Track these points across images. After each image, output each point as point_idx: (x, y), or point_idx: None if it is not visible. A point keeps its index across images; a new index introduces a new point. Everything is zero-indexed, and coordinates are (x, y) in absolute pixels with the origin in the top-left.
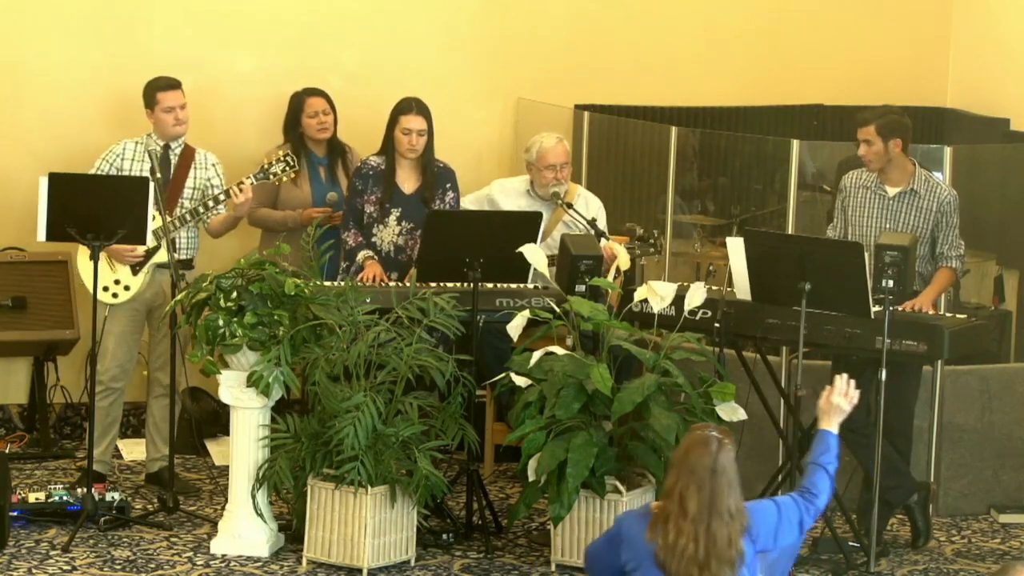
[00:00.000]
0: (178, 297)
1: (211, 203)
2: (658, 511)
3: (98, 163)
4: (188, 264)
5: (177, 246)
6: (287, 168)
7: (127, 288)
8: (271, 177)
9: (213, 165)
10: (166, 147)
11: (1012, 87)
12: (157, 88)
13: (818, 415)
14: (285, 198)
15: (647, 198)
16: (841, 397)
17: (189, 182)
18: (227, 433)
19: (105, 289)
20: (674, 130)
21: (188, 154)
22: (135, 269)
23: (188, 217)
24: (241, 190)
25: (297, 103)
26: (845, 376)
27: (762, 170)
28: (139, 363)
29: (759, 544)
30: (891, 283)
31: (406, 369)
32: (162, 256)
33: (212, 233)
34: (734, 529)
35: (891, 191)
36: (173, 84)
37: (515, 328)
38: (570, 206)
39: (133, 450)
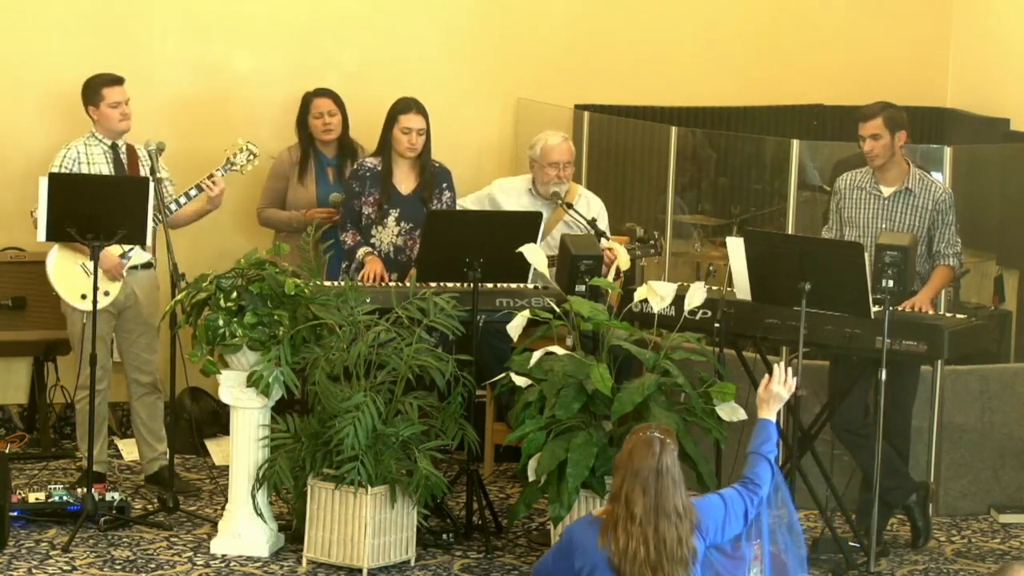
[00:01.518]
0: (178, 297)
1: (183, 199)
2: (607, 516)
3: (54, 171)
4: (148, 265)
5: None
6: (251, 156)
7: (107, 294)
8: (236, 167)
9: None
10: (114, 147)
11: (1012, 87)
12: (102, 84)
13: (757, 404)
14: (292, 198)
15: (647, 198)
16: (780, 385)
17: None
18: (227, 433)
19: (84, 297)
20: (674, 130)
21: (131, 153)
22: (113, 275)
23: (158, 216)
24: (215, 183)
25: (305, 103)
26: (783, 364)
27: (762, 170)
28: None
29: (709, 539)
30: (891, 283)
31: (406, 369)
32: (137, 258)
33: (175, 225)
34: (683, 528)
35: (886, 191)
36: (118, 80)
37: (515, 328)
38: (570, 206)
39: (133, 450)
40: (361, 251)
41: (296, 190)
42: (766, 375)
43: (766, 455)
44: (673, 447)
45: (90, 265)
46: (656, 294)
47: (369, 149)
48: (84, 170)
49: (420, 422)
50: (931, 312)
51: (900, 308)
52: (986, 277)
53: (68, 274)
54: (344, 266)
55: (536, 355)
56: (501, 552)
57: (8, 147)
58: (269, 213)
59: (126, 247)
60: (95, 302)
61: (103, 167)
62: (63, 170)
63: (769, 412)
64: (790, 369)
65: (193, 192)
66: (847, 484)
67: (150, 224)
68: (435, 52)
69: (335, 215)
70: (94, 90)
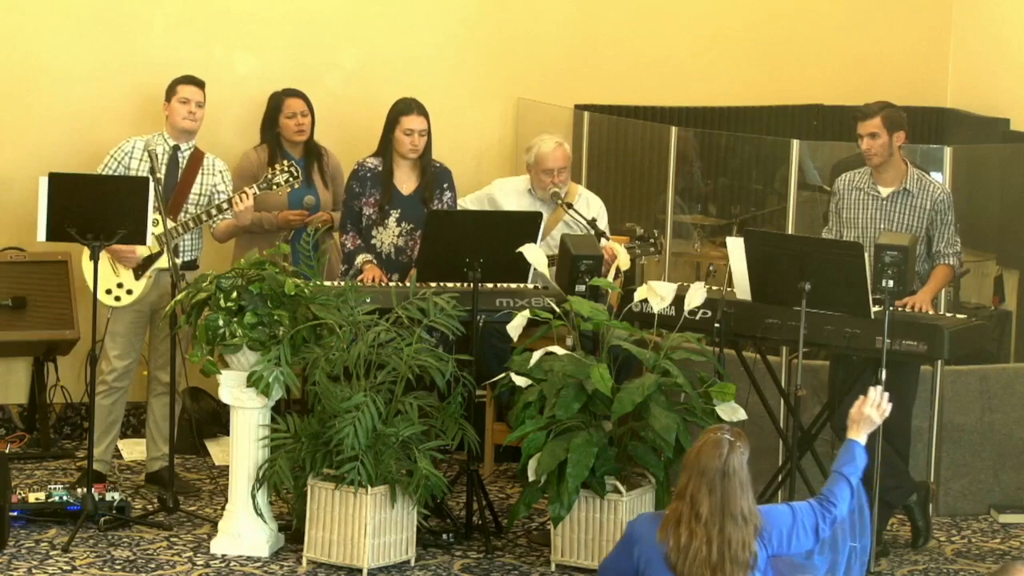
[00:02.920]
0: (178, 297)
1: (214, 211)
2: (670, 512)
3: (106, 160)
4: (192, 265)
5: (180, 248)
6: (291, 179)
7: (130, 292)
8: (274, 187)
9: (220, 172)
10: (175, 148)
11: (1012, 87)
12: (180, 80)
13: (848, 424)
14: (261, 199)
15: (647, 198)
16: (873, 409)
17: (196, 187)
18: (227, 433)
19: (108, 292)
20: (674, 130)
21: (197, 158)
22: (137, 274)
23: (192, 224)
24: (242, 199)
25: (276, 103)
26: (880, 388)
27: (762, 170)
28: (140, 363)
29: (772, 548)
30: (891, 283)
31: (406, 369)
32: (165, 261)
33: (218, 238)
34: (747, 532)
35: (884, 191)
36: (196, 81)
37: (515, 328)
38: (570, 206)
39: (133, 450)
40: (360, 258)
41: (266, 191)
42: (861, 396)
43: (847, 476)
44: (742, 450)
45: (117, 264)
46: (656, 294)
47: (358, 149)
48: (133, 165)
49: (420, 422)
50: (931, 311)
51: (900, 306)
52: (986, 277)
53: (100, 271)
54: (342, 269)
55: (536, 355)
56: (501, 552)
57: (8, 147)
58: None
59: (154, 249)
60: (95, 303)
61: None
62: (113, 160)
63: (858, 434)
64: (886, 395)
65: (225, 206)
66: None
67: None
68: (435, 52)
69: (308, 216)
70: (172, 85)
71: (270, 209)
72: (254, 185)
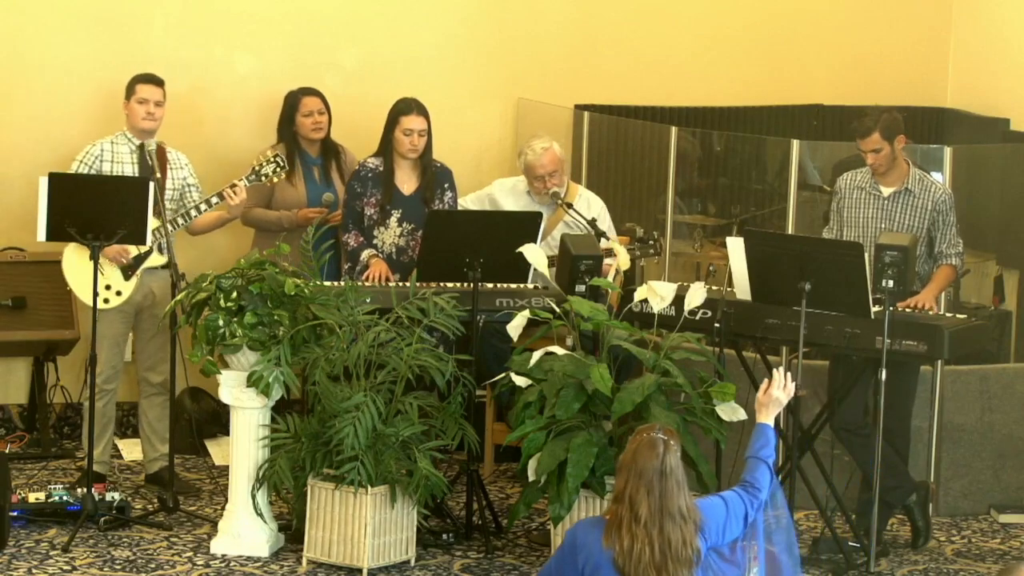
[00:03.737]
0: (178, 297)
1: (204, 206)
2: (611, 516)
3: (75, 165)
4: (172, 263)
5: (163, 247)
6: (278, 169)
7: (119, 293)
8: (263, 178)
9: (186, 164)
10: (142, 147)
11: (1012, 87)
12: (138, 79)
13: (756, 408)
14: (280, 198)
15: (647, 198)
16: (780, 390)
17: (168, 183)
18: (227, 433)
19: (96, 294)
20: (674, 130)
21: (161, 154)
22: (127, 274)
23: (180, 220)
24: (236, 192)
25: (292, 102)
26: (782, 369)
27: (762, 170)
28: (131, 363)
29: (711, 540)
30: (891, 283)
31: (406, 369)
32: (153, 261)
33: (194, 232)
34: (688, 529)
35: (886, 191)
36: (154, 80)
37: (515, 328)
38: (570, 206)
39: (133, 450)
40: (365, 253)
41: (285, 190)
42: (765, 379)
43: (765, 459)
44: (676, 448)
45: (106, 265)
46: (656, 294)
47: (357, 149)
48: (107, 167)
49: (420, 422)
50: (935, 310)
51: (904, 306)
52: (986, 277)
53: (82, 271)
54: (347, 267)
55: (536, 355)
56: (501, 552)
57: (8, 147)
58: (257, 213)
59: (143, 249)
60: (95, 302)
61: (127, 166)
62: (83, 165)
63: (768, 417)
64: (789, 374)
65: (215, 200)
66: (847, 484)
67: (150, 225)
68: (435, 52)
69: (327, 214)
70: (130, 85)
71: (289, 207)
72: (243, 178)
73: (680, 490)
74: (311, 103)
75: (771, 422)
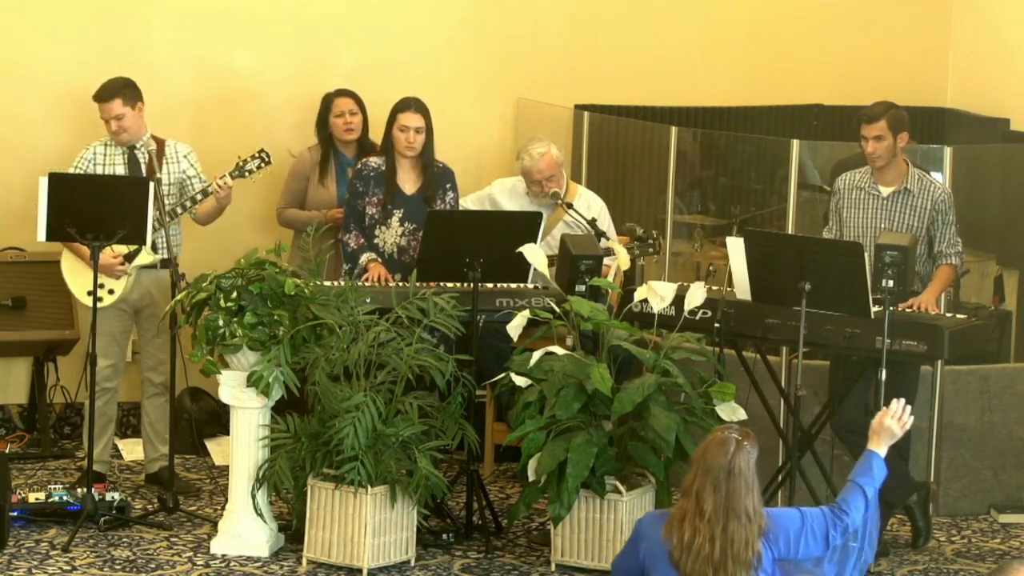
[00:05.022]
0: (178, 297)
1: (189, 203)
2: (676, 509)
3: (71, 170)
4: (172, 262)
5: (159, 245)
6: (262, 164)
7: (111, 292)
8: (246, 174)
9: (185, 156)
10: (131, 148)
11: (1012, 87)
12: (94, 98)
13: (870, 434)
14: (313, 198)
15: (647, 198)
16: (894, 420)
17: (164, 177)
18: (227, 433)
19: (89, 294)
20: (674, 130)
21: (160, 151)
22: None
23: (178, 211)
24: (221, 186)
25: (326, 103)
26: (902, 401)
27: (762, 170)
28: (134, 362)
29: (779, 550)
30: (891, 283)
31: (406, 369)
32: (144, 258)
33: (200, 222)
34: (751, 531)
35: (885, 191)
36: (103, 96)
37: (515, 328)
38: (570, 206)
39: (133, 450)
40: (364, 257)
41: (317, 190)
42: (884, 407)
43: (862, 486)
44: (750, 450)
45: (104, 273)
46: (656, 294)
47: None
48: (99, 170)
49: (420, 422)
50: (936, 311)
51: (905, 307)
52: (986, 277)
53: (77, 271)
54: (346, 268)
55: (536, 355)
56: (501, 552)
57: (8, 147)
58: (290, 213)
59: (132, 247)
60: (95, 303)
61: (119, 168)
62: (76, 169)
63: (878, 445)
64: (908, 407)
65: (200, 197)
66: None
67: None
68: (435, 52)
69: None
70: (94, 98)
71: (319, 207)
72: (226, 173)
73: (749, 492)
74: (343, 104)
75: (882, 452)
